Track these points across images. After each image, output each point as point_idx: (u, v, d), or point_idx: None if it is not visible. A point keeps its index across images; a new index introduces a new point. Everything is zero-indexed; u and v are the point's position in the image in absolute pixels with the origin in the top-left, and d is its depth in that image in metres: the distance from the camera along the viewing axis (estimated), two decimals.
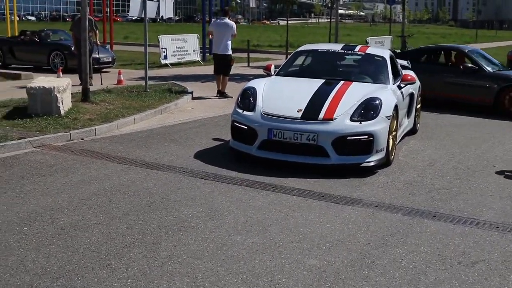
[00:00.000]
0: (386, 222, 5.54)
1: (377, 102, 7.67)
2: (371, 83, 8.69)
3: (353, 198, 6.32)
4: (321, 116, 7.41)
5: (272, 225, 5.34)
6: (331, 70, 9.25)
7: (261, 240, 4.95)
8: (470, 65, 13.24)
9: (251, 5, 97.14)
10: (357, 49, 9.64)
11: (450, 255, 4.78)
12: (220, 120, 10.77)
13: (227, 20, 13.69)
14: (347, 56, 9.87)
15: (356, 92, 7.99)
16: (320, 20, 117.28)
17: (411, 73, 9.13)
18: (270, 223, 5.40)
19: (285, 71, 9.26)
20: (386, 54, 9.51)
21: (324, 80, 8.47)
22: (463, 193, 6.63)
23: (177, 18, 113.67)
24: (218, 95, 13.82)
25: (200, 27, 26.88)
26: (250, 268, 4.38)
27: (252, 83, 8.46)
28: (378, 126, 7.42)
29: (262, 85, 8.30)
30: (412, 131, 9.98)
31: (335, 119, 7.36)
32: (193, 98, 13.43)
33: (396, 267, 4.52)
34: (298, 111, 7.50)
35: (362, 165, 7.31)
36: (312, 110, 7.51)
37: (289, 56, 9.99)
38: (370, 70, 9.20)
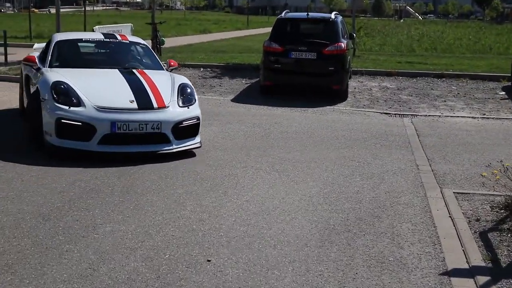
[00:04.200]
0: None
1: (189, 87, 8.33)
2: (154, 69, 9.04)
3: None
4: (155, 105, 7.73)
5: None
6: (107, 60, 9.39)
7: None
8: None
9: None
10: (119, 37, 9.86)
11: None
12: None
13: None
14: (113, 45, 9.77)
15: (160, 79, 8.40)
16: (95, 8, 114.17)
17: (173, 60, 9.71)
18: None
19: (61, 63, 8.84)
20: (141, 40, 10.09)
21: (117, 69, 8.59)
22: None
23: None
24: None
25: None
26: None
27: (53, 77, 7.91)
28: (199, 109, 8.16)
29: (65, 78, 7.88)
30: None
31: (168, 106, 7.79)
32: None
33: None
34: (131, 102, 7.65)
35: (195, 146, 7.93)
36: (143, 100, 7.75)
37: (51, 48, 9.15)
38: (144, 57, 9.59)
